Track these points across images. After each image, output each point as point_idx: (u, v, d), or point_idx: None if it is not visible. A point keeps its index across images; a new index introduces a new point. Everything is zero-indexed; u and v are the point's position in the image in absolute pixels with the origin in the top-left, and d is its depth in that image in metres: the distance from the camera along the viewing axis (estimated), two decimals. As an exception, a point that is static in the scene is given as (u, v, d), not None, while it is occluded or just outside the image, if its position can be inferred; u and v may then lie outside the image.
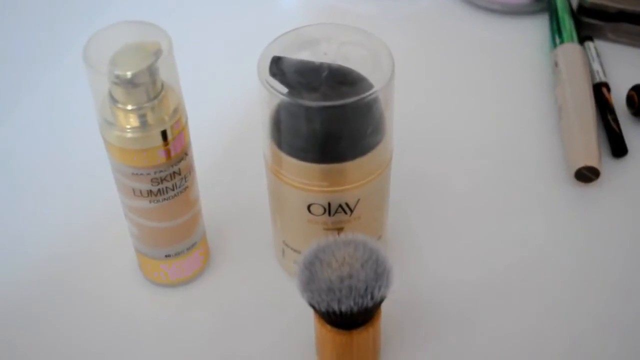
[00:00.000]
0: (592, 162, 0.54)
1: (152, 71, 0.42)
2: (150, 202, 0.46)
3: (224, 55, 0.65)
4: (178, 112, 0.44)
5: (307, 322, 0.46)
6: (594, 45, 0.64)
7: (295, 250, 0.49)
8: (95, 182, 0.54)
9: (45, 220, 0.55)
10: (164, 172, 0.45)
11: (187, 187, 0.46)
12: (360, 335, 0.43)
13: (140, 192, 0.45)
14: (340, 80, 0.43)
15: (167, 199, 0.46)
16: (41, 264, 0.52)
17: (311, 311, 0.44)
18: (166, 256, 0.49)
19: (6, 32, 0.66)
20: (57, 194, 0.56)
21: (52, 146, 0.60)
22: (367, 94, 0.42)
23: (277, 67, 0.43)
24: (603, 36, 0.66)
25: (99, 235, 0.53)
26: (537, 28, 0.67)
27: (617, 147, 0.57)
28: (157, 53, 0.42)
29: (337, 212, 0.46)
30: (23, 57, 0.66)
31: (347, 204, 0.46)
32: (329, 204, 0.45)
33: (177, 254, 0.49)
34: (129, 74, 0.41)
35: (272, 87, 0.43)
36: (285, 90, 0.43)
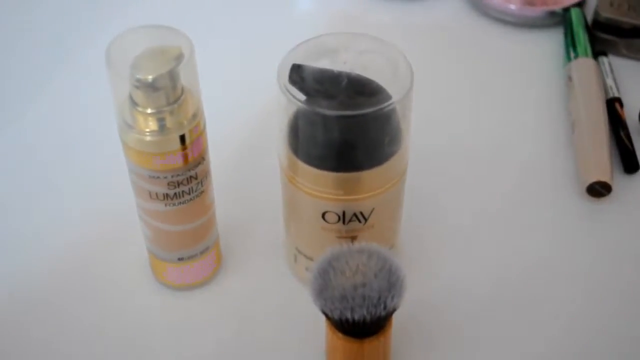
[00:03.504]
0: (604, 178, 0.55)
1: (173, 76, 0.42)
2: (165, 205, 0.46)
3: (240, 62, 0.65)
4: (197, 117, 0.44)
5: (316, 328, 0.47)
6: (608, 61, 0.64)
7: (307, 257, 0.49)
8: (110, 184, 0.54)
9: (59, 219, 0.55)
10: (181, 176, 0.45)
11: (202, 192, 0.47)
12: (371, 344, 0.44)
13: (157, 195, 0.45)
14: (359, 90, 0.43)
15: (182, 203, 0.46)
16: (53, 263, 0.52)
17: (321, 318, 0.45)
18: (179, 259, 0.49)
19: (28, 30, 0.67)
20: (72, 194, 0.57)
21: (70, 146, 0.60)
22: (386, 104, 0.42)
23: (297, 74, 0.44)
24: (617, 52, 0.66)
25: (112, 236, 0.54)
26: (551, 41, 0.68)
27: (629, 163, 0.57)
28: (179, 58, 0.42)
29: (351, 220, 0.46)
30: (43, 55, 0.66)
31: (361, 213, 0.46)
32: (344, 212, 0.46)
33: (190, 257, 0.49)
34: (149, 77, 0.42)
35: (290, 94, 0.43)
36: (303, 97, 0.43)
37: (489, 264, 0.52)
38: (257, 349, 0.48)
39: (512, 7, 0.69)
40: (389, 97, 0.43)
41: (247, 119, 0.60)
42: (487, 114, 0.63)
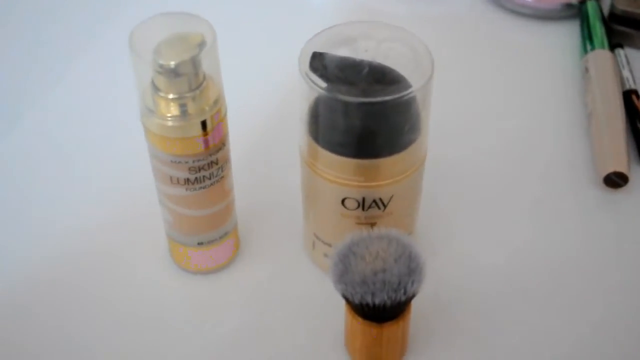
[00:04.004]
0: (621, 168, 0.55)
1: (195, 62, 0.43)
2: (186, 190, 0.46)
3: (260, 51, 0.66)
4: (218, 103, 0.45)
5: (335, 313, 0.47)
6: (625, 53, 0.65)
7: (326, 244, 0.49)
8: (131, 169, 0.54)
9: (79, 204, 0.56)
10: (202, 161, 0.45)
11: (222, 177, 0.47)
12: (390, 329, 0.44)
13: (178, 179, 0.46)
14: (380, 78, 0.44)
15: (203, 188, 0.46)
16: (74, 248, 0.53)
17: (339, 303, 0.45)
18: (198, 244, 0.50)
19: (51, 14, 0.67)
20: (93, 179, 0.57)
21: (92, 129, 0.61)
22: (407, 92, 0.43)
23: (318, 62, 0.44)
24: (633, 44, 0.67)
25: (132, 221, 0.54)
26: (568, 33, 0.68)
27: (646, 154, 0.58)
28: (201, 45, 0.43)
29: (370, 207, 0.46)
30: (66, 41, 0.67)
31: (380, 200, 0.46)
32: (363, 199, 0.46)
33: (209, 242, 0.50)
34: (172, 63, 0.42)
35: (312, 81, 0.43)
36: (324, 84, 0.43)
37: (506, 252, 0.53)
38: (275, 333, 0.49)
39: (529, -1, 0.69)
40: (409, 85, 0.43)
41: (267, 107, 0.61)
42: (503, 105, 0.63)
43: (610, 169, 0.55)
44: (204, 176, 0.46)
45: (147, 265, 0.52)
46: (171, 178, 0.46)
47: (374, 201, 0.46)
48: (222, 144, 0.46)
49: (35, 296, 0.51)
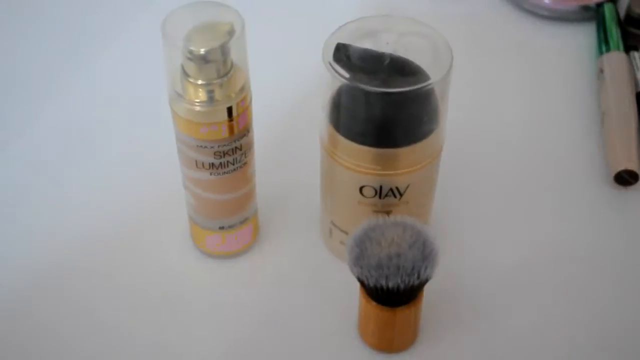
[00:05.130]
0: (632, 166, 0.56)
1: (224, 50, 0.44)
2: (211, 174, 0.48)
3: (285, 43, 0.67)
4: (244, 91, 0.46)
5: (349, 299, 0.49)
6: (639, 55, 0.66)
7: (343, 231, 0.51)
8: (157, 152, 0.56)
9: (104, 187, 0.57)
10: (227, 146, 0.47)
11: (245, 163, 0.49)
12: (402, 313, 0.46)
13: (203, 164, 0.47)
14: (401, 69, 0.45)
15: (227, 173, 0.48)
16: (97, 230, 0.55)
17: (354, 289, 0.47)
18: (220, 228, 0.51)
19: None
20: (118, 160, 0.59)
21: (119, 113, 0.62)
22: (427, 83, 0.44)
23: (342, 53, 0.46)
24: (648, 47, 0.68)
25: (155, 203, 0.56)
26: (584, 35, 0.69)
27: (657, 154, 0.59)
28: (230, 33, 0.44)
29: (387, 195, 0.48)
30: (98, 26, 0.69)
31: (397, 188, 0.48)
32: (381, 187, 0.48)
33: (230, 227, 0.51)
34: (202, 50, 0.44)
35: (335, 71, 0.45)
36: (347, 74, 0.45)
37: (517, 246, 0.54)
38: (290, 317, 0.50)
39: (546, 0, 0.70)
40: (428, 77, 0.45)
41: (290, 96, 0.62)
42: (519, 104, 0.64)
43: (622, 167, 0.56)
44: (228, 161, 0.48)
45: (168, 247, 0.54)
46: (196, 162, 0.48)
47: (391, 190, 0.48)
48: (246, 131, 0.48)
49: (58, 276, 0.52)
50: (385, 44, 0.46)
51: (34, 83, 0.65)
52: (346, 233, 0.51)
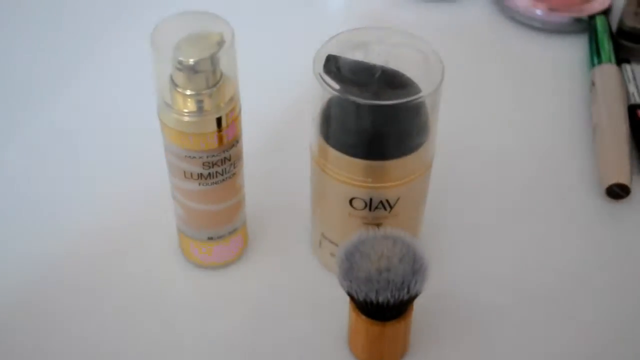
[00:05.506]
0: (624, 180, 0.56)
1: (213, 60, 0.44)
2: (199, 184, 0.47)
3: (275, 53, 0.67)
4: (233, 101, 0.46)
5: (339, 312, 0.48)
6: (631, 68, 0.66)
7: (333, 243, 0.51)
8: (145, 163, 0.56)
9: (92, 197, 0.57)
10: (216, 157, 0.47)
11: (234, 174, 0.48)
12: (392, 327, 0.45)
13: (191, 174, 0.47)
14: (391, 81, 0.45)
15: (215, 183, 0.48)
16: (84, 240, 0.54)
17: (343, 302, 0.46)
18: (208, 238, 0.51)
19: (74, 8, 0.69)
20: (107, 170, 0.59)
21: (107, 123, 0.62)
22: (416, 96, 0.44)
23: (332, 64, 0.45)
24: (640, 59, 0.68)
25: (143, 214, 0.55)
26: (576, 47, 0.69)
27: (648, 168, 0.59)
28: (220, 43, 0.44)
29: (377, 207, 0.48)
30: (86, 35, 0.69)
31: (387, 201, 0.47)
32: (371, 200, 0.47)
33: (219, 237, 0.51)
34: (191, 60, 0.43)
35: (325, 82, 0.45)
36: (337, 86, 0.45)
37: (508, 259, 0.54)
38: (279, 329, 0.50)
39: (539, 12, 0.70)
40: (419, 90, 0.45)
41: (280, 106, 0.62)
42: (511, 115, 0.64)
43: (613, 181, 0.56)
44: (216, 172, 0.47)
45: (157, 257, 0.53)
46: (185, 172, 0.47)
47: (381, 202, 0.47)
48: (235, 141, 0.47)
49: (44, 289, 0.52)
50: (377, 56, 0.46)
51: (20, 94, 0.64)
52: (336, 245, 0.50)
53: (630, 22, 0.68)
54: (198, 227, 0.50)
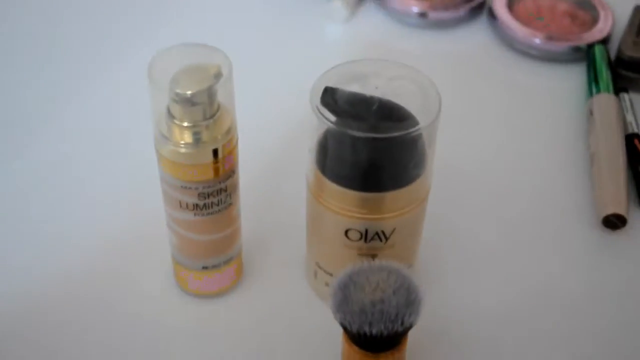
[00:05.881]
0: (620, 210, 0.56)
1: (210, 92, 0.44)
2: (195, 215, 0.48)
3: (272, 84, 0.67)
4: (230, 133, 0.46)
5: (332, 343, 0.48)
6: (629, 97, 0.66)
7: (328, 273, 0.51)
8: (141, 192, 0.56)
9: (87, 225, 0.57)
10: (211, 187, 0.47)
11: (230, 204, 0.48)
12: (386, 359, 0.45)
13: (187, 204, 0.47)
14: (389, 114, 0.45)
15: (211, 214, 0.48)
16: (78, 268, 0.54)
17: (337, 333, 0.46)
18: (203, 268, 0.51)
19: (73, 39, 0.69)
20: (103, 198, 0.59)
21: (104, 152, 0.62)
22: (413, 129, 0.44)
23: (330, 96, 0.45)
24: (638, 89, 0.68)
25: (138, 242, 0.55)
26: (574, 76, 0.69)
27: (645, 198, 0.59)
28: (217, 75, 0.44)
29: (372, 239, 0.48)
30: (85, 65, 0.69)
31: (383, 232, 0.47)
32: (366, 231, 0.47)
33: (214, 267, 0.51)
34: (188, 93, 0.44)
35: (322, 114, 0.45)
36: (334, 119, 0.45)
37: (504, 289, 0.54)
38: (273, 359, 0.50)
39: (537, 41, 0.70)
40: (416, 123, 0.45)
41: (277, 137, 0.62)
42: (508, 144, 0.64)
43: (610, 211, 0.56)
44: (212, 202, 0.47)
45: (151, 286, 0.53)
46: (180, 203, 0.47)
47: (377, 233, 0.47)
48: (231, 172, 0.47)
49: (39, 314, 0.52)
50: (374, 88, 0.46)
51: (16, 122, 0.64)
52: (331, 275, 0.50)
53: (629, 52, 0.68)
54: (193, 256, 0.50)
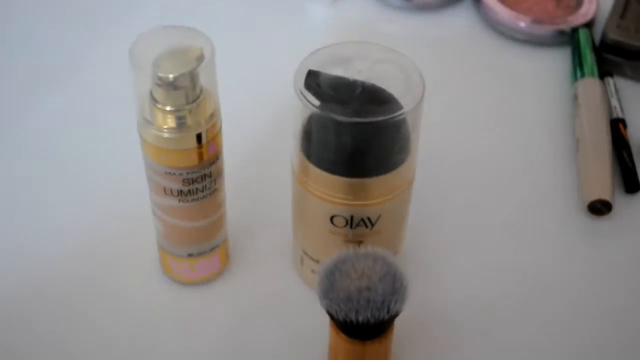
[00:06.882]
0: (606, 196, 0.56)
1: (193, 76, 0.43)
2: (179, 201, 0.47)
3: (256, 67, 0.66)
4: (214, 117, 0.45)
5: (319, 330, 0.48)
6: (614, 82, 0.66)
7: (314, 260, 0.50)
8: (124, 180, 0.55)
9: (71, 213, 0.56)
10: (196, 173, 0.46)
11: (215, 190, 0.48)
12: (372, 346, 0.45)
13: (171, 191, 0.47)
14: (373, 98, 0.45)
15: (195, 200, 0.47)
16: (64, 256, 0.54)
17: (324, 320, 0.46)
18: (188, 255, 0.50)
19: (54, 23, 0.68)
20: (87, 185, 0.58)
21: (88, 137, 0.61)
22: (397, 113, 0.44)
23: (313, 80, 0.45)
24: (623, 73, 0.68)
25: (123, 229, 0.55)
26: (559, 60, 0.69)
27: (630, 183, 0.59)
28: (200, 59, 0.44)
29: (358, 225, 0.47)
30: (67, 49, 0.68)
31: (368, 218, 0.47)
32: (352, 217, 0.47)
33: (199, 254, 0.50)
34: (171, 76, 0.43)
35: (306, 99, 0.44)
36: (318, 103, 0.44)
37: (490, 275, 0.54)
38: (259, 348, 0.49)
39: (522, 24, 0.70)
40: (400, 107, 0.44)
41: (261, 123, 0.61)
42: (493, 128, 0.64)
43: (595, 197, 0.56)
44: (197, 188, 0.47)
45: (136, 274, 0.53)
46: (164, 189, 0.47)
47: (362, 220, 0.47)
48: (216, 157, 0.47)
49: (23, 305, 0.51)
50: (358, 72, 0.46)
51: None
52: (317, 262, 0.50)
53: (613, 35, 0.67)
54: (177, 243, 0.50)
